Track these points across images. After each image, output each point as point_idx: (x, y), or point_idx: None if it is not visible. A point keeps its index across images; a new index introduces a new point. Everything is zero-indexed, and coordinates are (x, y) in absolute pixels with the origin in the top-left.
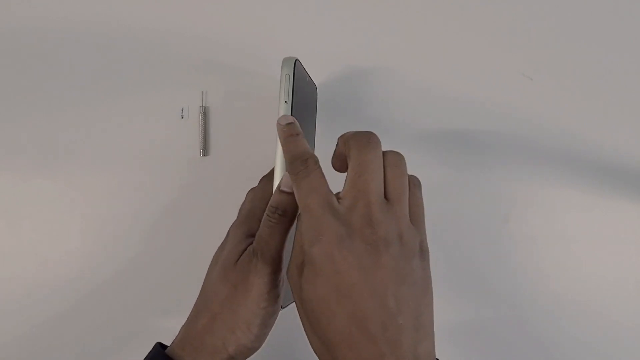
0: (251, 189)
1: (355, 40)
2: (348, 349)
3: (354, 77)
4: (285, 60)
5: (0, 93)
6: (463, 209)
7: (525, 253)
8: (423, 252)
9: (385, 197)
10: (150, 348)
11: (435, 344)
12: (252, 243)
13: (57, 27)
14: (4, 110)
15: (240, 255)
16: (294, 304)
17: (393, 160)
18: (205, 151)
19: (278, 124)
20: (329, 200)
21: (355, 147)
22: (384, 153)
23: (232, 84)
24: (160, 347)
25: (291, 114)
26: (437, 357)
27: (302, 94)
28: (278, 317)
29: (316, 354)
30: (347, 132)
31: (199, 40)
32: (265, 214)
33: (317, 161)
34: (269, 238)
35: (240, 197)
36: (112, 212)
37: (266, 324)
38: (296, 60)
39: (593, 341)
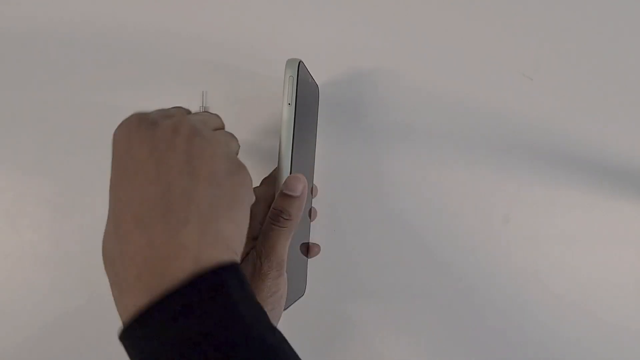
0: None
1: (356, 41)
2: (117, 241)
3: (356, 78)
4: (289, 62)
5: (1, 93)
6: (463, 209)
7: (525, 253)
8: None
9: None
10: None
11: (435, 343)
12: (254, 246)
13: (57, 27)
14: (4, 110)
15: (244, 259)
16: (295, 304)
17: None
18: None
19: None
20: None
21: None
22: None
23: (234, 84)
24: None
25: (295, 116)
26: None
27: (306, 96)
28: (279, 318)
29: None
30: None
31: (201, 41)
32: (268, 217)
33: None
34: (272, 242)
35: None
36: None
37: None
38: (300, 62)
39: (593, 341)
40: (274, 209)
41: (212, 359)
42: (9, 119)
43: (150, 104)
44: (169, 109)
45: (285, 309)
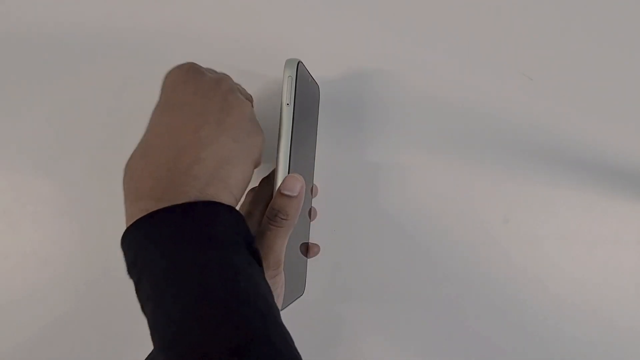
0: (250, 190)
1: (357, 41)
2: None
3: (356, 77)
4: (288, 62)
5: (1, 93)
6: (463, 209)
7: (525, 253)
8: None
9: None
10: (149, 349)
11: (435, 343)
12: None
13: (57, 27)
14: (4, 110)
15: None
16: (293, 304)
17: None
18: None
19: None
20: None
21: None
22: None
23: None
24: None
25: (293, 116)
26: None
27: (305, 96)
28: None
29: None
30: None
31: (201, 41)
32: (265, 217)
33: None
34: (270, 242)
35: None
36: (112, 212)
37: None
38: (299, 62)
39: (593, 342)
40: (271, 208)
41: (190, 258)
42: (9, 119)
43: (151, 104)
44: (216, 71)
45: (283, 308)
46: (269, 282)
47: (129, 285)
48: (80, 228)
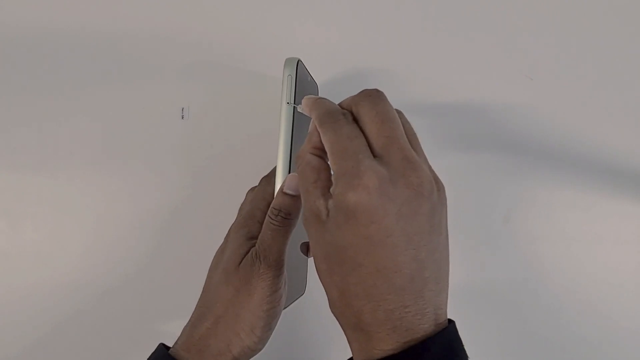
0: (250, 189)
1: (357, 40)
2: (368, 300)
3: (356, 77)
4: (287, 61)
5: (1, 93)
6: (463, 209)
7: (525, 253)
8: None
9: None
10: (149, 349)
11: None
12: (253, 245)
13: (57, 27)
14: (4, 110)
15: (243, 258)
16: (294, 303)
17: (397, 110)
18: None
19: (306, 98)
20: (366, 146)
21: (367, 100)
22: None
23: (234, 84)
24: (164, 348)
25: (293, 115)
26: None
27: (304, 95)
28: (279, 318)
29: (328, 295)
30: (344, 100)
31: (201, 41)
32: (267, 216)
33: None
34: (271, 241)
35: (242, 198)
36: (112, 212)
37: (269, 326)
38: (298, 61)
39: (593, 341)
40: (273, 208)
41: None
42: (9, 119)
43: (151, 104)
44: None
45: (285, 308)
46: (272, 282)
47: (129, 285)
48: (81, 228)
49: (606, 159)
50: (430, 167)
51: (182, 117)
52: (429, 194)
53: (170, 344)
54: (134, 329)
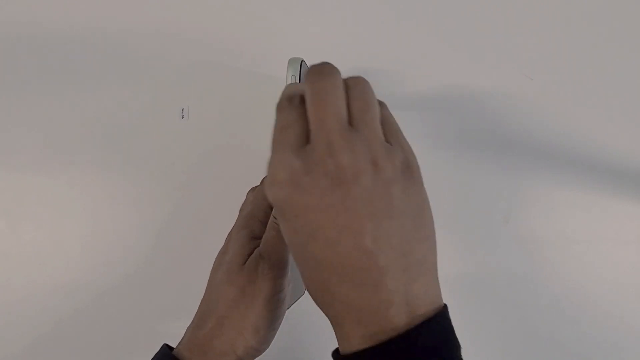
0: (251, 189)
1: (357, 40)
2: (324, 293)
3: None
4: (291, 61)
5: (1, 93)
6: (463, 209)
7: (525, 253)
8: (411, 171)
9: (350, 123)
10: (149, 349)
11: None
12: (257, 245)
13: (57, 27)
14: (4, 110)
15: (246, 259)
16: (298, 302)
17: (353, 82)
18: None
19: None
20: (297, 135)
21: (307, 80)
22: (345, 79)
23: (235, 84)
24: (167, 348)
25: None
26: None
27: None
28: (282, 318)
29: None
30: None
31: (201, 41)
32: (272, 216)
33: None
34: (275, 242)
35: (242, 198)
36: (112, 213)
37: (273, 327)
38: (302, 61)
39: (593, 341)
40: None
41: None
42: (9, 119)
43: (151, 104)
44: None
45: (288, 307)
46: (276, 283)
47: (129, 285)
48: (81, 228)
49: (606, 159)
50: (380, 145)
51: (182, 117)
52: (354, 178)
53: (171, 344)
54: (134, 329)
